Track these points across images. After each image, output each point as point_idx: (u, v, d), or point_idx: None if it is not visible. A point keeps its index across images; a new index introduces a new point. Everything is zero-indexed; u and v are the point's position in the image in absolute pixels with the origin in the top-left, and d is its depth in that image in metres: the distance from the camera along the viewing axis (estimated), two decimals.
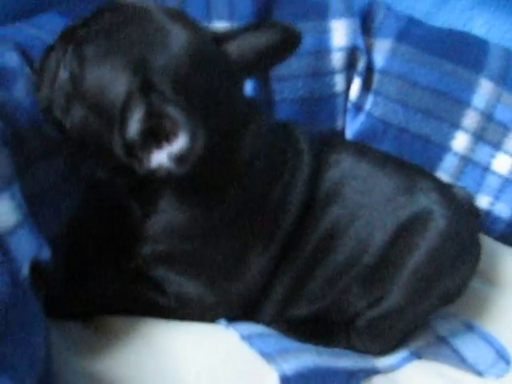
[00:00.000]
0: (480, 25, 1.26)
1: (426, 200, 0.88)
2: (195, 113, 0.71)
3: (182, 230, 0.82)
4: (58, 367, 0.70)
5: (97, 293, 0.85)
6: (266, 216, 0.84)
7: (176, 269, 0.85)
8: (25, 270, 0.68)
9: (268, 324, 0.89)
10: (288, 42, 0.84)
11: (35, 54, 0.86)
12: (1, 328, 0.56)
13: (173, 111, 0.69)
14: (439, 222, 0.86)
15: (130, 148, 0.73)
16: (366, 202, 0.87)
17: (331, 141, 0.96)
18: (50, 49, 0.80)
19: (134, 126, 0.71)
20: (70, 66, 0.75)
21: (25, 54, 0.86)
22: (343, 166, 0.89)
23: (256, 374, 0.77)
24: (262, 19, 0.89)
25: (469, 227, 0.91)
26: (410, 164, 0.96)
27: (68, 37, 0.78)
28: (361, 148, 0.97)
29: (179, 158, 0.70)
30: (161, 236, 0.83)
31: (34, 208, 0.73)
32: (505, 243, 1.12)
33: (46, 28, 0.94)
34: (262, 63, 0.85)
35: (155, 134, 0.71)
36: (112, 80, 0.73)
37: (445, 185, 0.95)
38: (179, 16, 0.79)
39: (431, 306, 0.90)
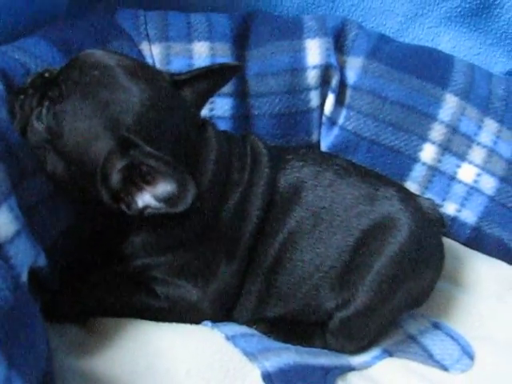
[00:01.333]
0: (446, 40, 1.38)
1: (389, 208, 0.97)
2: (169, 156, 0.83)
3: (154, 246, 0.93)
4: (55, 367, 0.78)
5: (91, 297, 0.93)
6: (227, 225, 0.95)
7: (161, 274, 0.94)
8: (24, 276, 0.76)
9: (248, 323, 0.98)
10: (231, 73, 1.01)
11: (17, 80, 0.94)
12: (7, 329, 0.63)
13: (153, 162, 0.82)
14: (402, 228, 0.95)
15: (115, 194, 0.85)
16: (329, 208, 0.97)
17: (297, 150, 1.06)
18: (20, 92, 0.90)
19: (116, 177, 0.84)
20: (46, 122, 0.85)
21: (8, 79, 0.93)
22: (305, 172, 0.99)
23: (240, 371, 0.86)
24: (211, 64, 1.02)
25: (432, 235, 1.00)
26: (376, 174, 1.06)
27: (39, 87, 0.89)
28: (326, 157, 1.07)
29: (169, 200, 0.83)
30: (139, 252, 0.94)
31: (30, 219, 0.81)
32: (470, 247, 1.22)
33: (29, 52, 1.00)
34: (211, 95, 1.01)
35: (134, 181, 0.84)
36: (91, 139, 0.84)
37: (409, 194, 1.04)
38: (139, 70, 0.90)
39: (398, 307, 0.99)
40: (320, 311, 0.98)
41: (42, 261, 0.81)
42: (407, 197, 1.01)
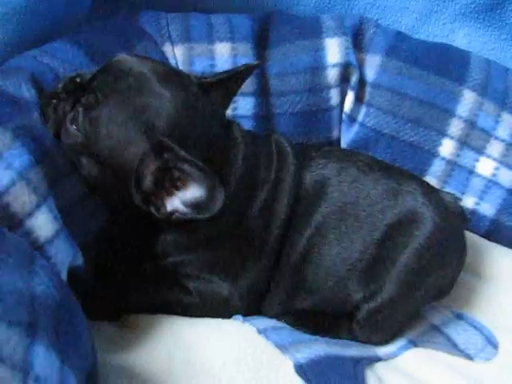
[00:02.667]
0: (461, 36, 1.39)
1: (413, 202, 0.99)
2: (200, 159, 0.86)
3: (185, 244, 0.96)
4: None
5: (126, 296, 0.96)
6: (255, 222, 0.97)
7: (192, 271, 0.97)
8: (64, 275, 0.80)
9: (277, 316, 1.01)
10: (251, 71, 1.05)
11: (46, 85, 0.96)
12: (56, 326, 0.65)
13: (186, 166, 0.85)
14: (426, 222, 0.97)
15: (146, 197, 0.88)
16: (354, 203, 0.99)
17: (320, 147, 1.08)
18: (53, 96, 0.93)
19: (149, 180, 0.87)
20: (82, 126, 0.88)
21: (38, 85, 0.95)
22: (330, 169, 1.01)
23: (273, 363, 0.88)
24: (236, 66, 1.04)
25: (455, 228, 1.02)
26: (399, 169, 1.08)
27: (72, 92, 0.92)
28: (349, 154, 1.09)
29: (197, 206, 0.86)
30: (170, 251, 0.96)
31: (65, 219, 0.84)
32: (489, 240, 1.24)
33: (57, 56, 1.02)
34: (234, 95, 1.04)
35: (165, 185, 0.88)
36: (126, 144, 0.87)
37: (432, 188, 1.06)
38: (170, 75, 0.93)
39: (423, 299, 1.02)
40: (347, 303, 1.00)
41: (79, 260, 0.83)
42: (430, 191, 1.03)
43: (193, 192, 0.87)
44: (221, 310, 0.98)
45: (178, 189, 0.88)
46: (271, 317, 1.01)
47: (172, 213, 0.89)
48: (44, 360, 0.58)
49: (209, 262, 0.97)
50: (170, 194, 0.89)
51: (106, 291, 0.95)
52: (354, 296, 0.99)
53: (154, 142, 0.86)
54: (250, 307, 1.00)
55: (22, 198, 0.76)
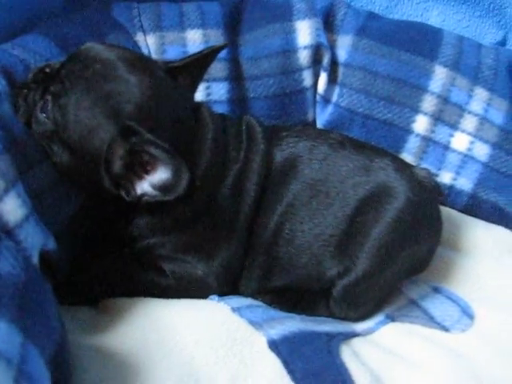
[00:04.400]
0: (436, 15, 1.40)
1: (384, 177, 1.00)
2: (168, 144, 0.88)
3: (158, 227, 0.98)
4: (69, 346, 0.82)
5: (101, 279, 0.97)
6: (226, 201, 0.99)
7: (166, 252, 0.99)
8: (34, 259, 0.81)
9: (253, 295, 1.02)
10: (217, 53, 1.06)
11: (17, 76, 0.98)
12: (21, 303, 0.67)
13: (152, 149, 0.87)
14: (398, 196, 0.99)
15: (116, 181, 0.90)
16: (324, 180, 1.01)
17: (291, 127, 1.10)
18: (23, 86, 0.95)
19: (118, 163, 0.89)
20: (51, 114, 0.90)
21: (9, 76, 0.97)
22: (300, 147, 1.03)
23: (247, 340, 0.89)
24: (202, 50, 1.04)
25: (428, 202, 1.04)
26: (371, 146, 1.09)
27: (41, 81, 0.94)
28: (321, 132, 1.11)
29: (164, 188, 0.89)
30: (144, 233, 0.98)
31: (38, 205, 0.86)
32: (468, 214, 1.25)
33: (28, 48, 1.04)
34: (202, 77, 1.06)
35: (135, 169, 0.90)
36: (94, 129, 0.89)
37: (404, 164, 1.08)
38: (137, 62, 0.95)
39: (398, 274, 1.03)
40: (322, 280, 1.02)
41: (51, 245, 0.85)
42: (402, 166, 1.05)
43: (160, 174, 0.89)
44: (197, 290, 0.99)
45: (147, 172, 0.90)
46: (248, 295, 1.03)
47: (141, 196, 0.91)
48: (5, 335, 0.60)
49: (182, 243, 0.98)
50: (140, 177, 0.91)
51: (82, 276, 0.96)
52: (328, 272, 1.01)
53: (121, 126, 0.88)
54: (226, 286, 1.01)
55: None
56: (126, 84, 0.91)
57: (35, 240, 0.81)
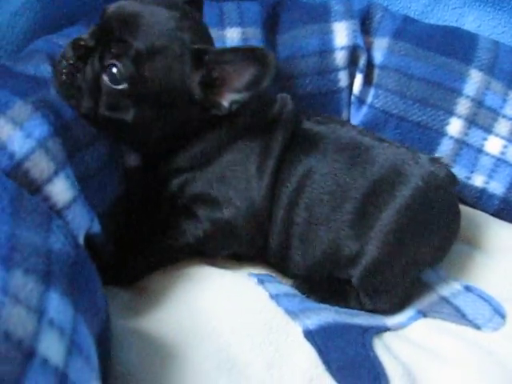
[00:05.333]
0: (471, 21, 1.40)
1: (399, 164, 1.03)
2: None
3: (196, 158, 1.02)
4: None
5: (140, 247, 1.01)
6: (258, 139, 1.03)
7: (199, 190, 1.02)
8: (81, 240, 0.84)
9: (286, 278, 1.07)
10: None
11: None
12: (72, 279, 0.69)
13: (227, 56, 0.95)
14: (409, 183, 1.01)
15: (203, 106, 0.97)
16: (344, 155, 1.04)
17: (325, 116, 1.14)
18: (66, 67, 0.95)
19: (199, 88, 0.96)
20: (124, 75, 0.92)
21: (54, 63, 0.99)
22: (328, 126, 1.07)
23: (283, 328, 0.91)
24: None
25: (442, 191, 1.05)
26: (389, 140, 1.11)
27: (87, 53, 0.94)
28: (345, 122, 1.18)
29: (253, 83, 0.95)
30: (182, 166, 1.02)
31: (84, 187, 0.88)
32: (499, 218, 1.26)
33: (72, 38, 1.05)
34: None
35: (216, 85, 0.96)
36: (171, 68, 0.95)
37: (419, 155, 1.08)
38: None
39: (413, 260, 1.04)
40: (339, 261, 1.04)
41: (96, 227, 0.88)
42: (416, 156, 1.07)
43: (244, 74, 0.94)
44: (229, 235, 1.03)
45: (224, 84, 0.96)
46: (274, 263, 1.09)
47: (231, 104, 0.97)
48: (58, 306, 0.62)
49: (215, 176, 1.02)
50: (223, 91, 0.96)
51: (123, 255, 0.99)
52: (343, 252, 1.03)
53: (190, 53, 0.94)
54: (255, 239, 1.05)
55: (40, 165, 0.80)
56: (174, 19, 0.95)
57: (81, 221, 0.84)
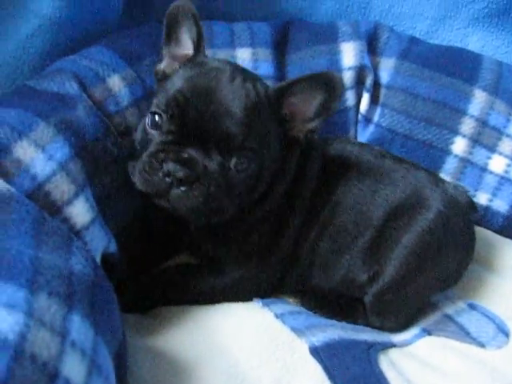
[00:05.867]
0: (475, 41, 1.44)
1: (419, 188, 1.06)
2: None
3: (231, 230, 1.02)
4: None
5: (160, 286, 1.02)
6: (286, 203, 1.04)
7: (230, 254, 1.04)
8: (98, 260, 0.86)
9: (295, 295, 1.09)
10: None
11: (88, 82, 1.04)
12: (92, 300, 0.72)
13: (294, 89, 0.97)
14: (430, 208, 1.04)
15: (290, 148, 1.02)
16: (367, 182, 1.06)
17: (338, 137, 1.16)
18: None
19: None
20: (253, 164, 0.94)
21: (81, 82, 1.03)
22: (349, 152, 1.09)
23: (289, 346, 0.94)
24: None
25: (460, 217, 1.08)
26: (410, 161, 1.13)
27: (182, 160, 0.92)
28: (363, 144, 1.18)
29: (324, 107, 0.97)
30: (216, 238, 1.03)
31: (103, 208, 0.92)
32: (503, 235, 1.29)
33: (95, 59, 1.11)
34: None
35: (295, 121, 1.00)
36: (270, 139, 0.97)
37: (439, 178, 1.12)
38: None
39: (428, 285, 1.07)
40: (355, 284, 1.07)
41: (112, 247, 0.91)
42: (436, 180, 1.10)
43: (313, 101, 0.96)
44: (249, 290, 1.05)
45: (297, 116, 0.98)
46: (290, 293, 1.09)
47: (306, 135, 1.00)
48: (80, 328, 0.65)
49: (247, 244, 1.03)
50: (294, 124, 0.99)
51: (139, 285, 1.01)
52: (360, 277, 1.06)
53: (269, 103, 0.97)
54: (275, 286, 1.07)
55: (61, 187, 0.83)
56: (243, 87, 0.95)
57: (99, 242, 0.87)
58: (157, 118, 0.93)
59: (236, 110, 0.90)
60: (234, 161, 0.92)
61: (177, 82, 0.94)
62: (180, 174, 0.89)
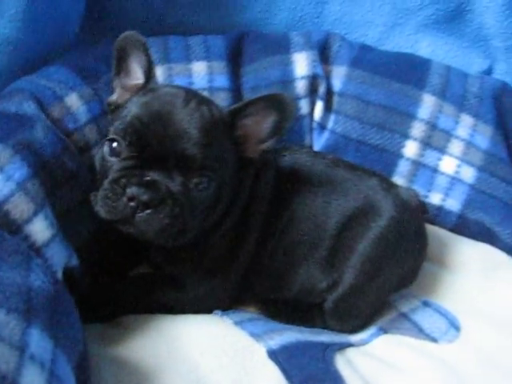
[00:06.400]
0: (425, 46, 1.51)
1: (372, 196, 1.11)
2: None
3: (191, 247, 1.06)
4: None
5: (120, 297, 1.06)
6: (241, 206, 1.09)
7: (191, 271, 1.08)
8: (59, 275, 0.91)
9: (254, 304, 1.14)
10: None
11: (46, 101, 1.09)
12: (51, 314, 0.76)
13: (249, 110, 1.02)
14: (384, 215, 1.09)
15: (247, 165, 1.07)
16: (320, 193, 1.11)
17: (291, 146, 1.20)
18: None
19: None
20: (213, 182, 0.98)
21: (39, 101, 1.07)
22: (301, 163, 1.14)
23: (248, 350, 1.00)
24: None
25: (412, 220, 1.13)
26: (362, 167, 1.19)
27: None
28: (316, 153, 1.23)
29: (276, 127, 1.02)
30: (176, 255, 1.07)
31: (63, 223, 0.95)
32: (456, 233, 1.36)
33: (52, 78, 1.16)
34: None
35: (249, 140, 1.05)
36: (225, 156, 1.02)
37: (391, 184, 1.18)
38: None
39: (385, 287, 1.12)
40: (314, 292, 1.12)
41: (74, 261, 0.95)
42: (388, 186, 1.15)
43: (266, 123, 1.01)
44: (209, 303, 1.09)
45: (250, 137, 1.03)
46: (248, 305, 1.14)
47: (262, 152, 1.05)
48: (38, 341, 0.70)
49: (207, 259, 1.08)
50: (248, 145, 1.04)
51: (101, 294, 1.05)
52: (319, 285, 1.11)
53: (224, 124, 1.02)
54: (234, 298, 1.12)
55: (20, 207, 0.87)
56: (198, 109, 0.99)
57: (60, 258, 0.91)
58: (115, 144, 0.97)
59: (193, 131, 0.95)
60: (194, 181, 0.96)
61: (132, 109, 0.98)
62: (144, 197, 0.92)
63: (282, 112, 0.99)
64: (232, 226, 1.08)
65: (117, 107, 1.05)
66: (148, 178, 0.94)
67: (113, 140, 0.97)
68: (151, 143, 0.94)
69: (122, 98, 1.06)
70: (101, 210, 0.95)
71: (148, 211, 0.93)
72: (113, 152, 0.97)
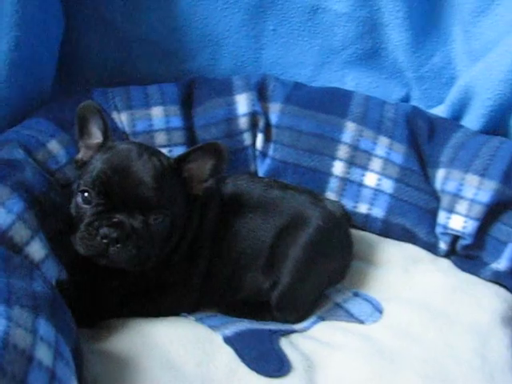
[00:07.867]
0: (351, 79, 1.81)
1: (301, 209, 1.39)
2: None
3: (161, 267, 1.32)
4: None
5: (100, 306, 1.32)
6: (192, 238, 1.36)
7: (156, 285, 1.35)
8: (54, 285, 1.17)
9: (211, 307, 1.40)
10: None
11: (31, 148, 1.36)
12: (52, 310, 1.03)
13: (192, 156, 1.28)
14: (311, 224, 1.36)
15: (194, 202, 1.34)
16: (259, 213, 1.39)
17: (233, 174, 1.48)
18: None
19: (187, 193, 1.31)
20: (168, 219, 1.24)
21: (25, 148, 1.34)
22: (242, 189, 1.42)
23: (208, 338, 1.27)
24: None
25: (338, 228, 1.42)
26: (294, 186, 1.48)
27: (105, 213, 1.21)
28: (254, 178, 1.51)
29: (214, 170, 1.29)
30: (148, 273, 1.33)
31: (53, 245, 1.22)
32: (383, 236, 1.65)
33: (35, 128, 1.43)
34: None
35: (193, 182, 1.31)
36: (177, 196, 1.28)
37: (318, 198, 1.46)
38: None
39: (318, 284, 1.41)
40: (261, 292, 1.39)
41: (63, 275, 1.22)
42: (316, 200, 1.44)
43: (206, 166, 1.28)
44: (175, 308, 1.35)
45: (195, 178, 1.29)
46: (208, 308, 1.40)
47: (205, 189, 1.31)
48: (45, 327, 0.97)
49: (170, 278, 1.35)
50: (193, 184, 1.30)
51: (83, 304, 1.29)
52: (263, 286, 1.38)
53: (173, 170, 1.27)
54: (195, 304, 1.38)
55: (20, 233, 1.14)
56: (150, 161, 1.25)
57: (53, 272, 1.18)
58: (86, 194, 1.22)
59: (148, 179, 1.21)
60: (152, 217, 1.22)
61: (97, 165, 1.23)
62: (114, 234, 1.18)
63: (218, 157, 1.26)
64: (187, 248, 1.35)
65: (83, 164, 1.29)
66: (115, 220, 1.20)
67: (84, 191, 1.22)
68: (115, 191, 1.20)
69: (86, 156, 1.30)
70: (80, 248, 1.21)
71: (118, 245, 1.19)
72: (85, 201, 1.22)
